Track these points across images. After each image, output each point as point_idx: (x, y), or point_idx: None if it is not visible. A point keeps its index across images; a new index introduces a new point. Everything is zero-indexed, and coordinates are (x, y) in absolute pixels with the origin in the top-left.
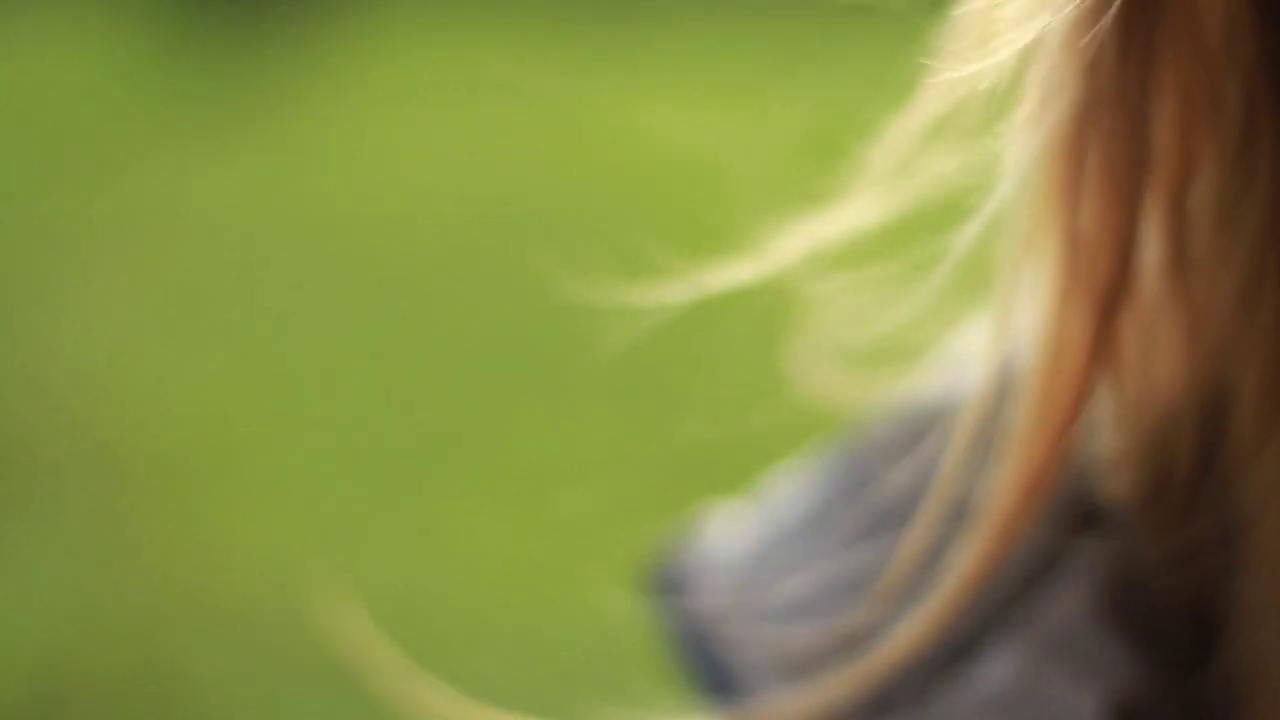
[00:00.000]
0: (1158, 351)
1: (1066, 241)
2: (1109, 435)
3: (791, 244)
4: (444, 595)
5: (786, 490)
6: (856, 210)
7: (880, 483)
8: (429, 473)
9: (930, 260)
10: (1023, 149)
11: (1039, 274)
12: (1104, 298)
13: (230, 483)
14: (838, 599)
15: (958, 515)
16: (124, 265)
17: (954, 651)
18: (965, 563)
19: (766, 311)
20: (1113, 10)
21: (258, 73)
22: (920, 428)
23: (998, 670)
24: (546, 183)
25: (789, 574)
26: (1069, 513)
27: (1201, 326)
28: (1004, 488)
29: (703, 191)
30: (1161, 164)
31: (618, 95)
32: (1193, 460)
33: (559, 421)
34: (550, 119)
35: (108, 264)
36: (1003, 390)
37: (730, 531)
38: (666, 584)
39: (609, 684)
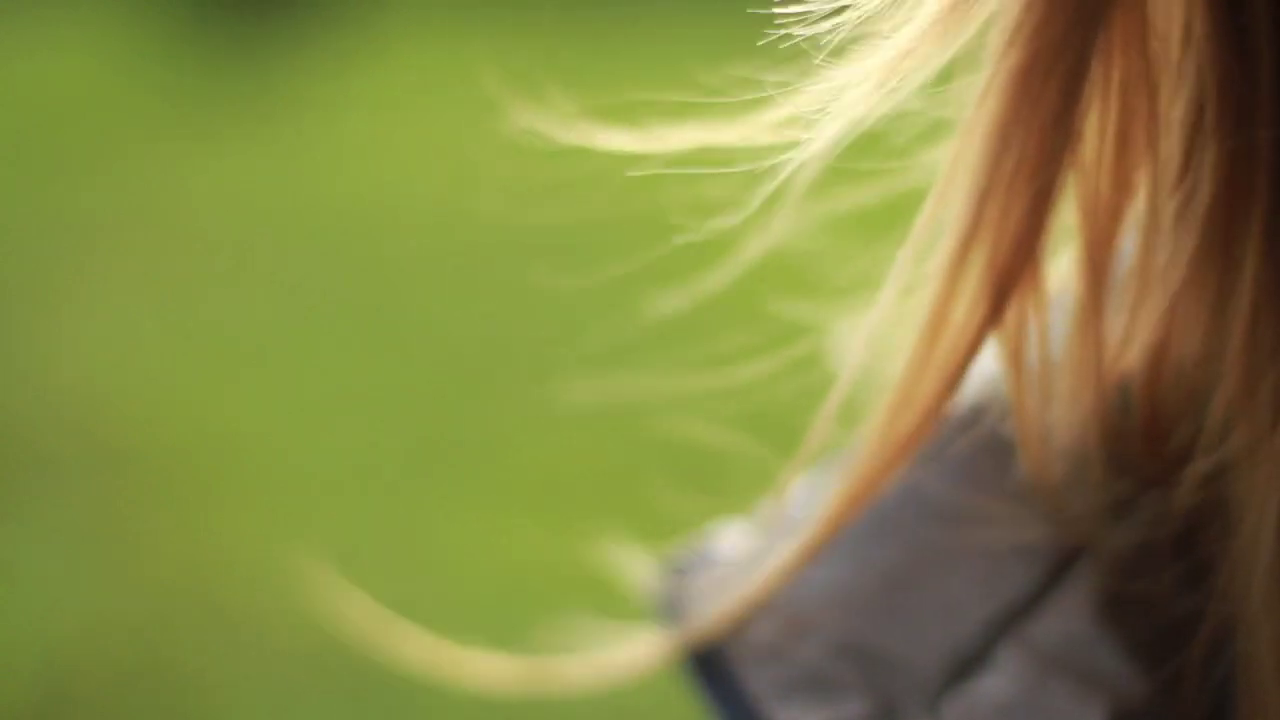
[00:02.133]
0: (1122, 351)
1: (971, 221)
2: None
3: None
4: (440, 595)
5: (798, 494)
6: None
7: (886, 491)
8: (427, 473)
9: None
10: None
11: (941, 246)
12: (999, 281)
13: (231, 482)
14: (842, 605)
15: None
16: (125, 263)
17: (961, 663)
18: (830, 502)
19: (762, 318)
20: (1059, 19)
21: (261, 72)
22: (930, 441)
23: (1002, 681)
24: (544, 187)
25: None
26: (1075, 530)
27: (1163, 331)
28: (874, 437)
29: (697, 195)
30: (1091, 173)
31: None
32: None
33: (555, 425)
34: (548, 124)
35: (109, 262)
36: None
37: (739, 536)
38: (672, 585)
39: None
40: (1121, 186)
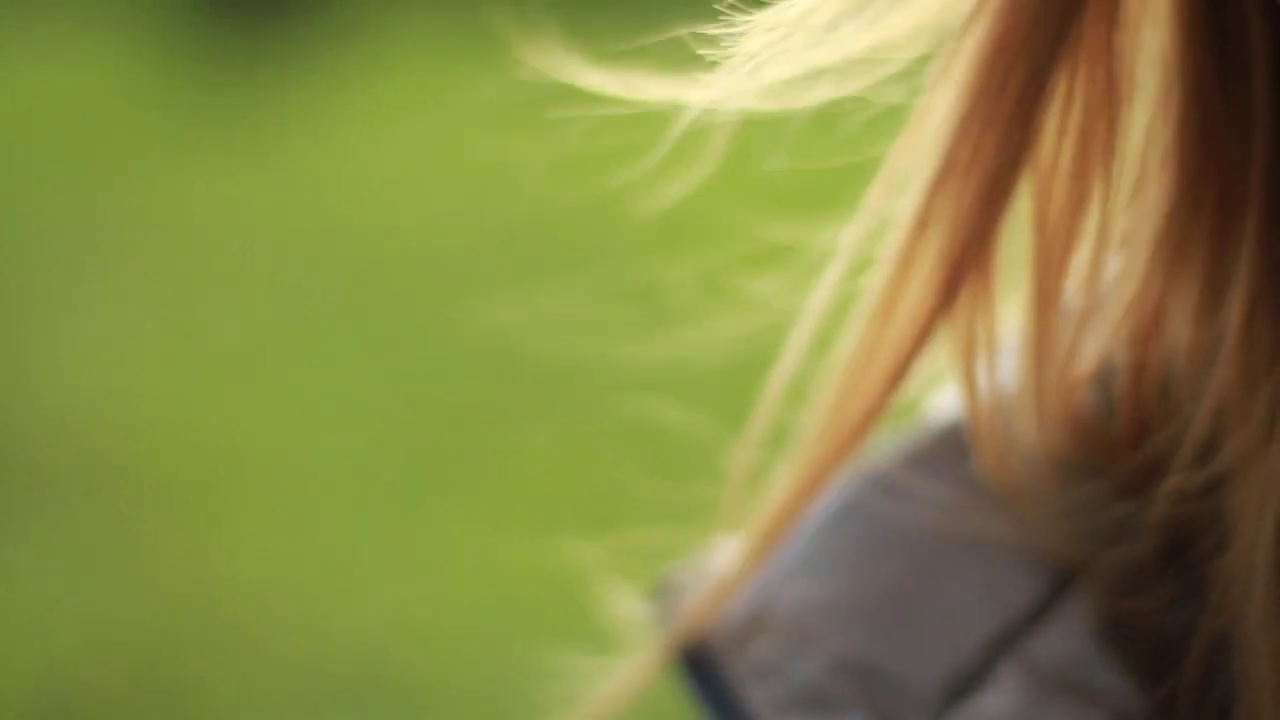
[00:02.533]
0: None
1: (924, 207)
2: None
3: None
4: (441, 606)
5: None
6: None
7: (885, 505)
8: (428, 483)
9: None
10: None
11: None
12: (950, 271)
13: (232, 495)
14: (841, 621)
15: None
16: (124, 276)
17: (961, 680)
18: (782, 490)
19: (759, 338)
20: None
21: (259, 85)
22: (926, 453)
23: (1003, 699)
24: (544, 205)
25: (789, 588)
26: (1067, 544)
27: (1143, 341)
28: (820, 424)
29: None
30: (1046, 177)
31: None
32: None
33: (557, 436)
34: (548, 142)
35: (107, 274)
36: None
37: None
38: (667, 600)
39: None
40: (1076, 194)
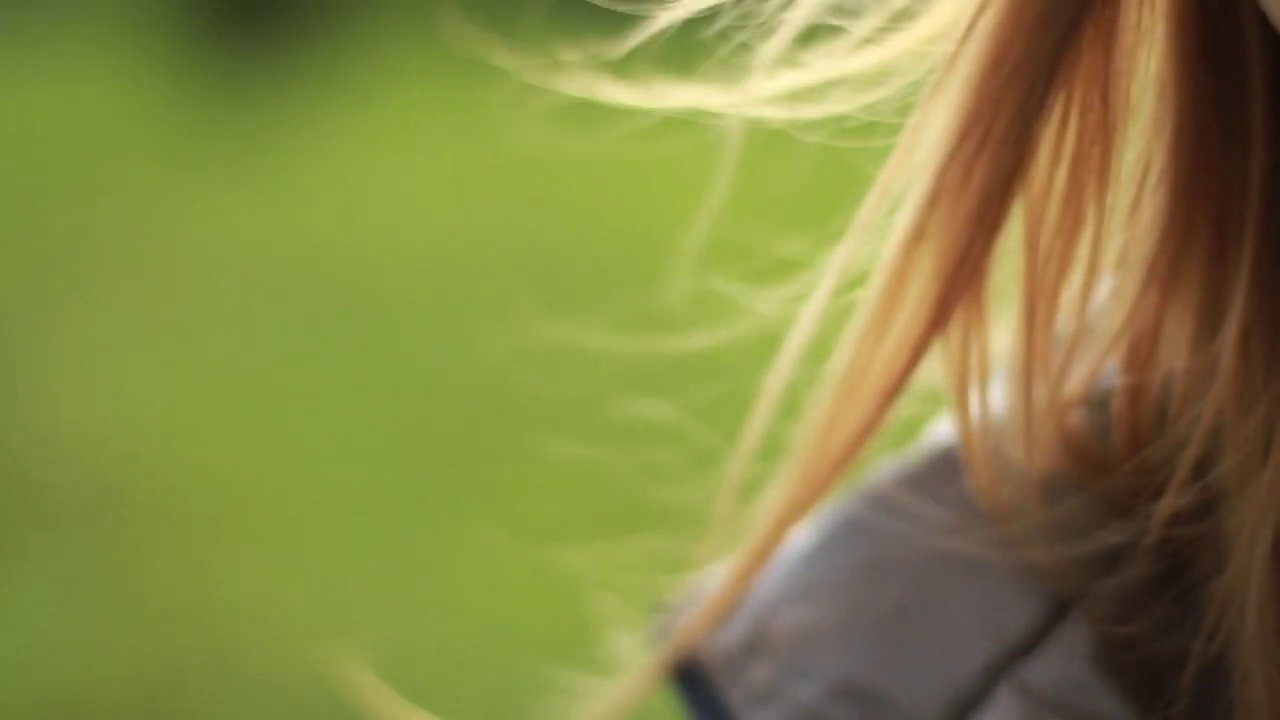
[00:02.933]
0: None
1: (918, 223)
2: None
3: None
4: (437, 638)
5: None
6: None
7: (883, 526)
8: (425, 515)
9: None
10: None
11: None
12: (943, 289)
13: (230, 523)
14: (840, 645)
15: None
16: (125, 302)
17: (960, 705)
18: (775, 505)
19: (755, 365)
20: (1027, 47)
21: (261, 112)
22: (925, 475)
23: None
24: (543, 227)
25: (787, 611)
26: (1066, 569)
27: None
28: (814, 439)
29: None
30: (1039, 202)
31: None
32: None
33: (553, 471)
34: (545, 165)
35: (109, 301)
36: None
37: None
38: (665, 620)
39: None
40: (1070, 218)
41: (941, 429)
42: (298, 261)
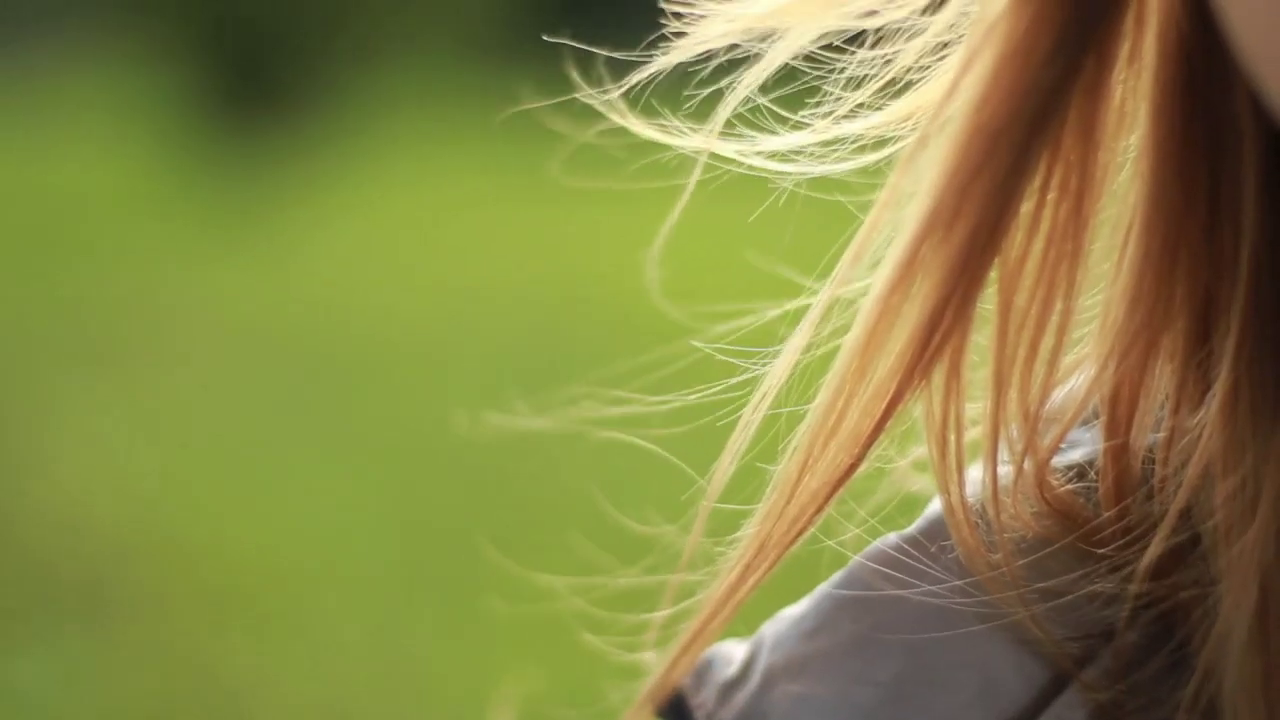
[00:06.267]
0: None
1: (894, 286)
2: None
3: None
4: (437, 715)
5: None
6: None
7: (882, 595)
8: (416, 594)
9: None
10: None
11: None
12: (922, 340)
13: (228, 607)
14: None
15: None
16: (121, 377)
17: None
18: (747, 545)
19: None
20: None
21: (258, 187)
22: (925, 543)
23: None
24: (534, 299)
25: (788, 685)
26: (1064, 643)
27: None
28: (795, 471)
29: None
30: (1015, 268)
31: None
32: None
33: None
34: (536, 239)
35: (105, 376)
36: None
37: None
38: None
39: None
40: (1044, 288)
41: (939, 499)
42: (294, 334)
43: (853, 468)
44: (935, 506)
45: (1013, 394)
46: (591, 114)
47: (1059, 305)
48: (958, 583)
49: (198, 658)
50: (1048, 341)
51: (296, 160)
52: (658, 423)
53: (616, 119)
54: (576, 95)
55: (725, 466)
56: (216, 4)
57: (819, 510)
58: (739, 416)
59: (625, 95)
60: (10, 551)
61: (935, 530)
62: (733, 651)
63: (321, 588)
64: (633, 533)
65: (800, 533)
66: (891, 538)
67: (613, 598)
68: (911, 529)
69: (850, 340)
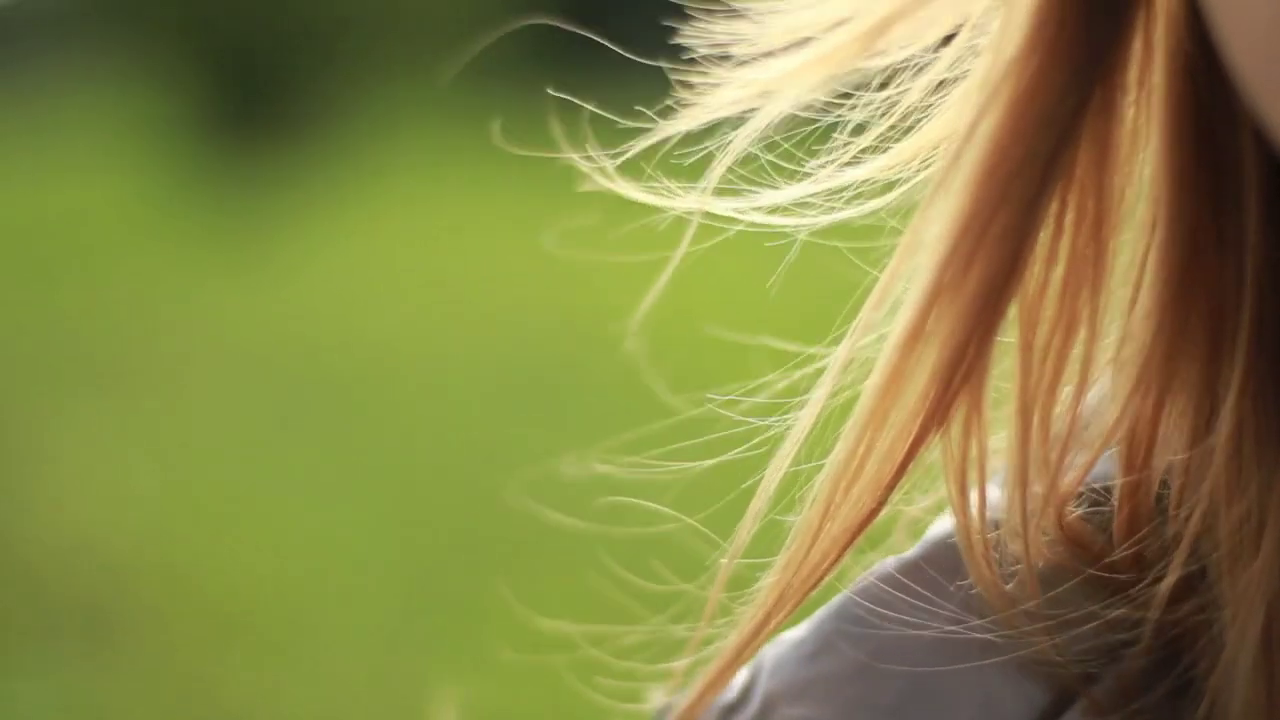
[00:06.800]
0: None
1: (915, 326)
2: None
3: None
4: None
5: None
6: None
7: (882, 620)
8: (418, 628)
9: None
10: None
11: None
12: (942, 382)
13: (229, 632)
14: None
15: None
16: (122, 406)
17: None
18: (767, 593)
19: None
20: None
21: (259, 212)
22: (922, 569)
23: None
24: (536, 326)
25: (787, 709)
26: (1063, 657)
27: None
28: (816, 519)
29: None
30: (1035, 300)
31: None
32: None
33: (546, 585)
34: (539, 265)
35: (106, 405)
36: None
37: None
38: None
39: None
40: (1065, 319)
41: (938, 524)
42: (293, 355)
43: (874, 512)
44: (934, 531)
45: (1035, 422)
46: (595, 135)
47: (1082, 333)
48: (956, 610)
49: (198, 679)
50: (1071, 371)
51: (295, 182)
52: (669, 481)
53: (607, 185)
54: (573, 155)
55: (748, 526)
56: (216, 27)
57: (839, 557)
58: (744, 448)
59: (625, 153)
60: (10, 573)
61: (935, 556)
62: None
63: (321, 609)
64: (641, 567)
65: (819, 580)
66: (890, 562)
67: (614, 621)
68: (911, 554)
69: (870, 386)
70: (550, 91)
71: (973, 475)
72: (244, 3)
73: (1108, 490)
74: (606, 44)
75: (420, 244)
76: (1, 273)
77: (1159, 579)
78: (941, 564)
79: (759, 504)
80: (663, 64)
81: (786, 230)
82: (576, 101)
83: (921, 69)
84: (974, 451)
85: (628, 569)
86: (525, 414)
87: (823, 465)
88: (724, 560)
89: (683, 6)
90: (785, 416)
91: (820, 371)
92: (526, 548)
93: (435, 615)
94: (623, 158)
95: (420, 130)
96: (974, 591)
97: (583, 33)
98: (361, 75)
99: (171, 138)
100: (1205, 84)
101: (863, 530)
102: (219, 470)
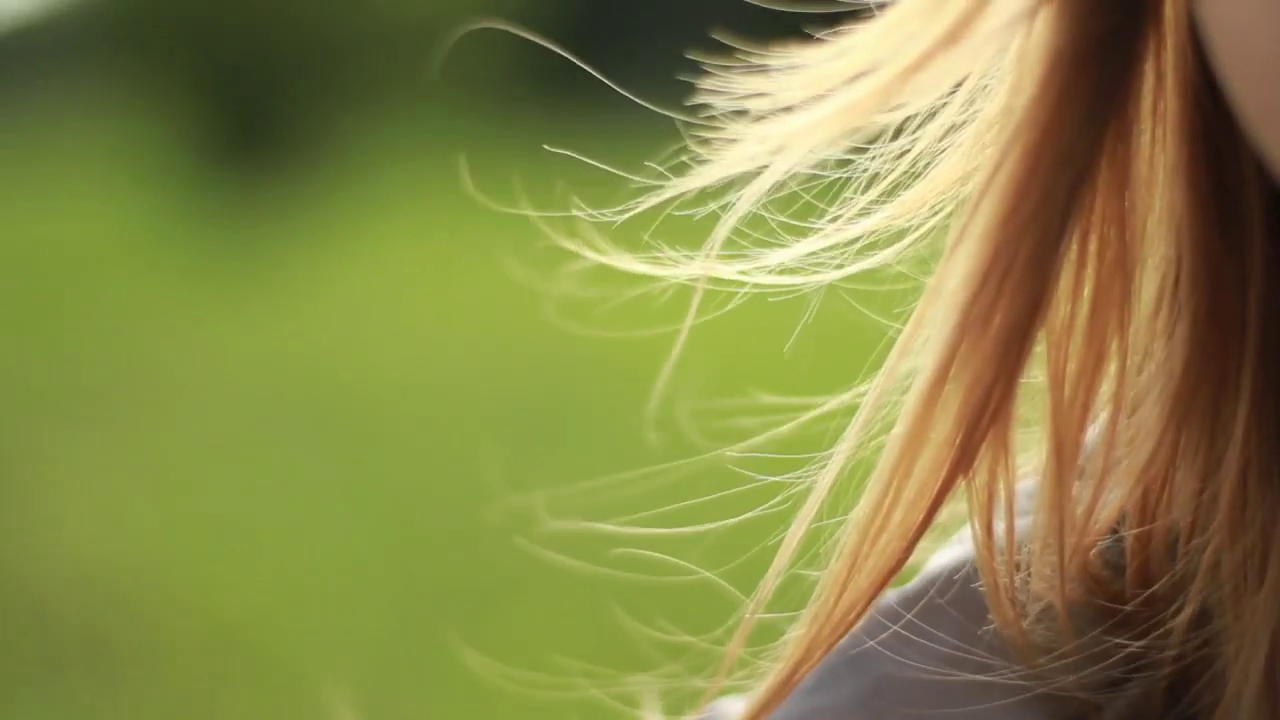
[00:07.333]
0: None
1: (941, 366)
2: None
3: None
4: None
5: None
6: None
7: (888, 656)
8: (419, 655)
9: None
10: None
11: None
12: (968, 428)
13: (226, 667)
14: None
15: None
16: (122, 438)
17: None
18: (795, 645)
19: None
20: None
21: (259, 244)
22: (926, 602)
23: None
24: (540, 357)
25: None
26: (1074, 691)
27: (1153, 497)
28: (844, 570)
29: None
30: (1061, 341)
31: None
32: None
33: (547, 605)
34: (543, 297)
35: (106, 437)
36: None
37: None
38: None
39: None
40: (1092, 353)
41: (939, 556)
42: (294, 388)
43: (901, 561)
44: (935, 564)
45: (1068, 465)
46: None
47: (1110, 370)
48: (963, 644)
49: (197, 709)
50: (1102, 408)
51: (297, 213)
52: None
53: (599, 258)
54: (576, 212)
55: (771, 580)
56: (217, 57)
57: (865, 608)
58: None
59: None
60: (12, 603)
61: (940, 590)
62: (732, 709)
63: (320, 636)
64: (649, 601)
65: (846, 630)
66: (892, 596)
67: (615, 655)
68: (912, 587)
69: (895, 435)
70: (555, 150)
71: (998, 514)
72: (245, 34)
73: (1122, 525)
74: (613, 86)
75: (420, 274)
76: (1, 302)
77: (1175, 612)
78: (945, 594)
79: (781, 560)
80: (675, 115)
81: (797, 288)
82: (581, 158)
83: (933, 115)
84: (1001, 492)
85: (633, 608)
86: (528, 445)
87: (842, 519)
88: (746, 615)
89: (698, 62)
90: (802, 472)
91: (832, 416)
92: (526, 579)
93: (433, 643)
94: (628, 214)
95: (419, 162)
96: (984, 629)
97: (590, 69)
98: (362, 106)
99: (171, 169)
100: (1214, 112)
101: (889, 580)
102: (218, 500)
